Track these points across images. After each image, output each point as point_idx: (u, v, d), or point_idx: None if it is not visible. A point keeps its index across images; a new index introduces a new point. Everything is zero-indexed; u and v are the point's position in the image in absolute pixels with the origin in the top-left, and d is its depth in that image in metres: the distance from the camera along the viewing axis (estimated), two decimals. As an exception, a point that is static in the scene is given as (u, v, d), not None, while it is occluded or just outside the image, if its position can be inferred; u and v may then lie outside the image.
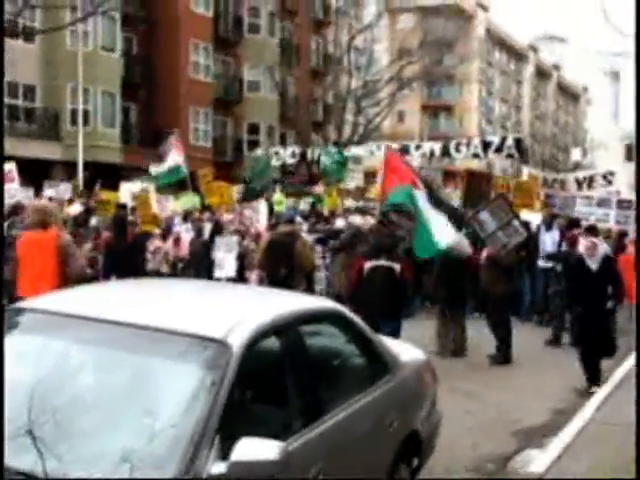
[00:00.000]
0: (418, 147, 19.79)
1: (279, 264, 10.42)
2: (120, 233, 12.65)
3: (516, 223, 12.08)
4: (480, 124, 74.47)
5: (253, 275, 14.56)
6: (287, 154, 21.99)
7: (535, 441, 7.91)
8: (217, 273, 14.41)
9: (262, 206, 17.88)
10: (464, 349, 12.07)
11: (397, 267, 10.35)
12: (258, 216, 17.41)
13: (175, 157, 19.81)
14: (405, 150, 19.18)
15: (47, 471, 3.37)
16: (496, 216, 11.92)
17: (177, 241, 15.54)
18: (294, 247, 10.49)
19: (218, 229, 15.48)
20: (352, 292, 10.61)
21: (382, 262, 10.34)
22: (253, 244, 14.96)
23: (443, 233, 11.01)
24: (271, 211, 18.97)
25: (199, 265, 15.17)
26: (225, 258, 14.55)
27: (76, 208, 16.35)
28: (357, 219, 15.83)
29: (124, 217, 13.47)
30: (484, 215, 12.00)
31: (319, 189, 23.18)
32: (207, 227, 15.85)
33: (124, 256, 12.27)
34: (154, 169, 20.21)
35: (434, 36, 48.19)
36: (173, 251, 15.42)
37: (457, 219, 12.82)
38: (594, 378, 10.05)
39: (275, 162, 22.14)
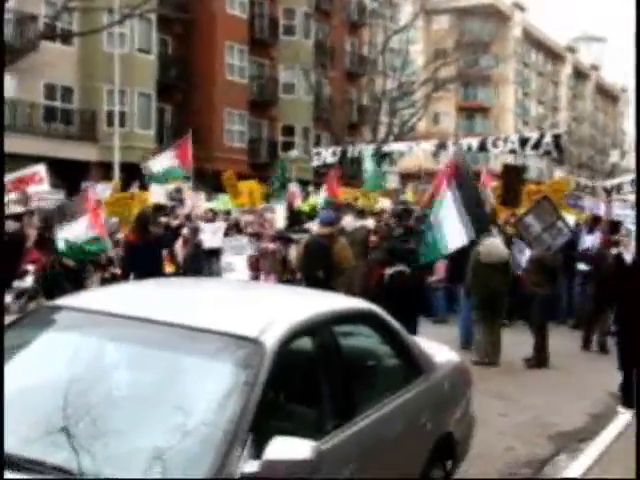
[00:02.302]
0: (455, 143, 19.76)
1: (317, 266, 10.34)
2: (142, 231, 12.19)
3: (560, 224, 12.09)
4: (516, 126, 73.90)
5: (270, 277, 14.42)
6: (328, 153, 22.00)
7: (571, 445, 7.82)
8: (227, 277, 14.17)
9: (280, 209, 17.81)
10: (497, 354, 11.71)
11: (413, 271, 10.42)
12: (275, 218, 17.30)
13: (170, 158, 19.79)
14: (442, 146, 19.19)
15: (81, 468, 3.37)
16: (540, 218, 11.95)
17: (185, 242, 15.57)
18: (332, 249, 10.41)
19: (237, 230, 15.48)
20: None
21: (401, 268, 10.31)
22: (272, 245, 14.89)
23: (452, 238, 10.98)
24: (297, 214, 18.88)
25: (195, 267, 14.96)
26: (234, 261, 14.34)
27: None
28: (370, 222, 15.28)
29: (149, 215, 13.04)
30: (529, 219, 12.07)
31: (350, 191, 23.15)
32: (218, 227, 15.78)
33: (143, 254, 11.85)
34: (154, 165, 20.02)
35: (470, 37, 48.05)
36: (181, 252, 15.44)
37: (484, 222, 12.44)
38: (630, 398, 8.91)
39: (316, 162, 22.16)
